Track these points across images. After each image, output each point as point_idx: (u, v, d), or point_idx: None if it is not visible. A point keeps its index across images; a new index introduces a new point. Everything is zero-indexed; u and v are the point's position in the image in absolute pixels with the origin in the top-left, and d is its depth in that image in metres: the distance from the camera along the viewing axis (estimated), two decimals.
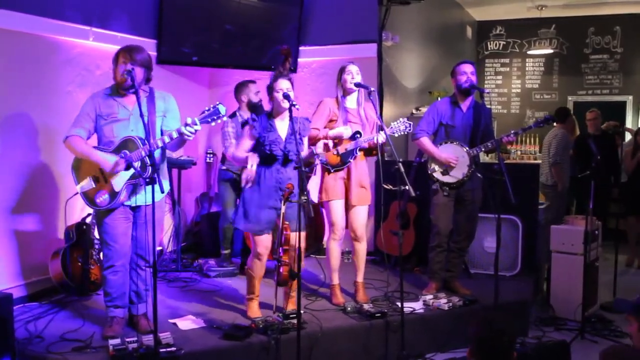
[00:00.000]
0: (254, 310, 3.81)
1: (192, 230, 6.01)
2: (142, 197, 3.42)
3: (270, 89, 3.67)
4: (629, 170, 6.68)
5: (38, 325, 3.62)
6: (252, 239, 3.75)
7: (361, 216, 4.13)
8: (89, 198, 3.40)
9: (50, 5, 4.38)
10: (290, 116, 3.47)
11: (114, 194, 3.34)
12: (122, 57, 3.35)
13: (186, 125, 3.22)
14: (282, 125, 3.70)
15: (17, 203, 4.18)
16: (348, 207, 4.11)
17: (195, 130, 3.23)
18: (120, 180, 3.33)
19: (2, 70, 4.07)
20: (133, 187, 3.39)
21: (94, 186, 3.38)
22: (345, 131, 3.97)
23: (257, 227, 3.67)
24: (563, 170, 6.42)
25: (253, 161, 3.58)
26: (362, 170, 4.13)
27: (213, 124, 3.29)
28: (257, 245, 3.72)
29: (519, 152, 8.84)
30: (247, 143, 3.69)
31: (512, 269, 5.04)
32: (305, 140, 3.84)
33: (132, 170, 3.32)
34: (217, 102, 3.26)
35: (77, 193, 3.52)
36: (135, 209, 3.49)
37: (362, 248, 4.18)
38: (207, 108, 3.26)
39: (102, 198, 3.35)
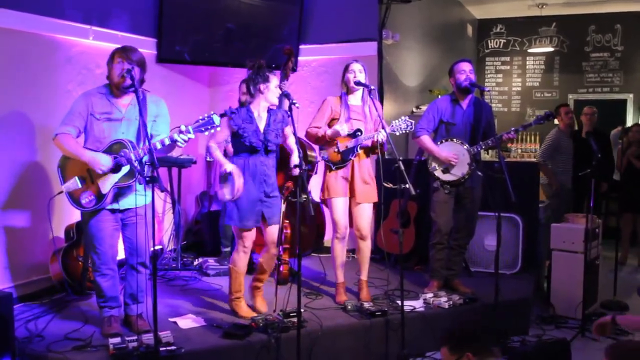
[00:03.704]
0: (245, 310, 3.78)
1: (193, 229, 6.01)
2: (131, 201, 3.40)
3: (258, 83, 3.66)
4: None
5: (38, 325, 3.61)
6: (239, 233, 3.72)
7: (366, 214, 4.10)
8: (74, 198, 3.35)
9: (50, 4, 4.38)
10: (291, 115, 3.48)
11: (100, 196, 3.31)
12: (118, 57, 3.33)
13: (180, 132, 3.19)
14: (261, 118, 3.71)
15: (16, 202, 4.18)
16: (353, 204, 4.10)
17: (189, 139, 3.21)
18: (108, 183, 3.31)
19: (2, 69, 4.06)
20: (118, 190, 3.35)
21: (80, 186, 3.33)
22: (341, 128, 3.94)
23: (246, 222, 3.66)
24: (551, 170, 6.11)
25: (236, 174, 3.57)
26: (366, 167, 4.10)
27: (206, 133, 3.25)
28: (245, 239, 3.71)
29: (519, 151, 8.82)
30: (224, 133, 3.67)
31: (513, 267, 5.04)
32: (288, 130, 3.80)
33: (121, 173, 3.30)
34: (212, 112, 3.21)
35: (60, 192, 3.46)
36: (123, 212, 3.45)
37: (366, 246, 4.17)
38: (201, 117, 3.21)
39: (88, 199, 3.32)
